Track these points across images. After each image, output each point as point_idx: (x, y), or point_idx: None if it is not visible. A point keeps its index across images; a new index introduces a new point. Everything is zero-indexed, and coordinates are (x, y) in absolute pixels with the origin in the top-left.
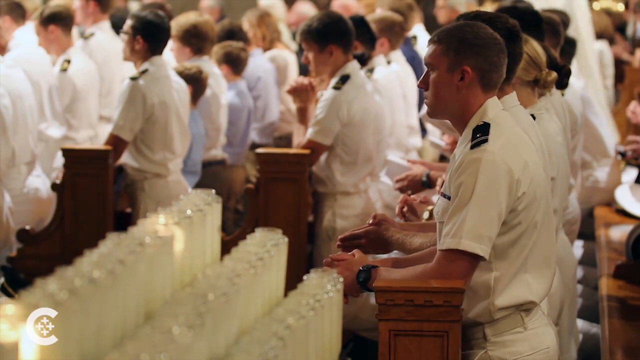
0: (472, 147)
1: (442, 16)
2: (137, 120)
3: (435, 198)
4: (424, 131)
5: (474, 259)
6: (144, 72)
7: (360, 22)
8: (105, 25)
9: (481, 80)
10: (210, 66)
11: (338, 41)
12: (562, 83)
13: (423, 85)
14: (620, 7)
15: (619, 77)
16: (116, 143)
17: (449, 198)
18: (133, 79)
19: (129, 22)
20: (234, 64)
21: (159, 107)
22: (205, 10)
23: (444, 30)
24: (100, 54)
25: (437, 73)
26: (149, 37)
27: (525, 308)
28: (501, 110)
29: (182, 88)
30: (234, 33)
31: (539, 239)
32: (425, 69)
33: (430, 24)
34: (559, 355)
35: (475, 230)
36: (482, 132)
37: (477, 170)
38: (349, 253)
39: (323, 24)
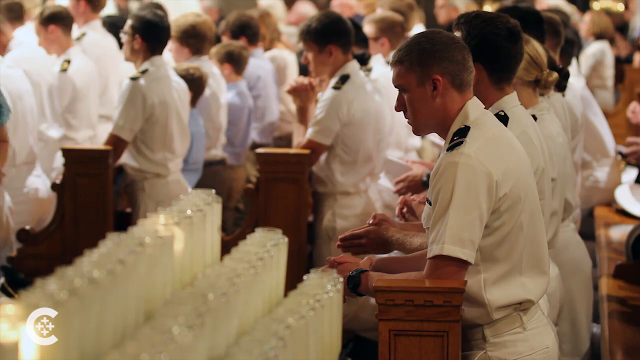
0: (448, 150)
1: (442, 16)
2: (137, 120)
3: None
4: None
5: (461, 263)
6: (144, 72)
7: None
8: (97, 24)
9: (453, 83)
10: (209, 66)
11: (337, 41)
12: (560, 85)
13: (401, 108)
14: (620, 7)
15: (619, 77)
16: (116, 143)
17: (431, 204)
18: (133, 79)
19: (128, 22)
20: (236, 62)
21: (159, 107)
22: (203, 10)
23: (401, 49)
24: (94, 53)
25: (409, 92)
26: (147, 36)
27: (523, 308)
28: (483, 111)
29: (182, 88)
30: (244, 28)
31: (528, 240)
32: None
33: (431, 23)
34: (582, 355)
35: (457, 235)
36: (460, 135)
37: (455, 175)
38: (357, 256)
39: (322, 24)
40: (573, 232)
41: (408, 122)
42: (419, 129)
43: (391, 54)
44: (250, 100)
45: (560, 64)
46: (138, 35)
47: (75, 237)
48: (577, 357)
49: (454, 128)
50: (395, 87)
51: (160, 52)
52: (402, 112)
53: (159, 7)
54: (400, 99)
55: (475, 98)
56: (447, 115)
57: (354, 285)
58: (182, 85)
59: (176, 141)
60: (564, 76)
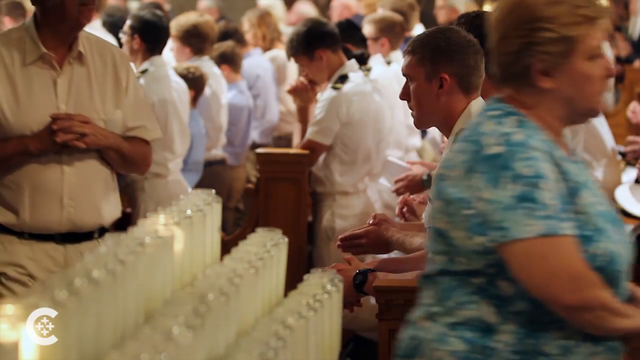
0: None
1: (442, 16)
2: None
3: None
4: (423, 131)
5: None
6: (144, 71)
7: (347, 25)
8: (96, 24)
9: (460, 84)
10: (210, 66)
11: (322, 44)
12: None
13: (405, 97)
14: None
15: (619, 77)
16: None
17: None
18: None
19: (128, 22)
20: (232, 61)
21: (159, 106)
22: (203, 11)
23: (417, 40)
24: None
25: (416, 83)
26: (146, 36)
27: None
28: None
29: (181, 88)
30: (229, 34)
31: None
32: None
33: (430, 24)
34: None
35: None
36: None
37: None
38: (347, 256)
39: (302, 34)
40: None
41: (411, 114)
42: (420, 122)
43: (391, 54)
44: (250, 101)
45: None
46: (137, 35)
47: None
48: None
49: (457, 127)
50: (403, 75)
51: (159, 52)
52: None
53: (158, 6)
54: (405, 89)
55: (479, 98)
56: (450, 115)
57: (360, 282)
58: (181, 85)
59: (176, 141)
60: None
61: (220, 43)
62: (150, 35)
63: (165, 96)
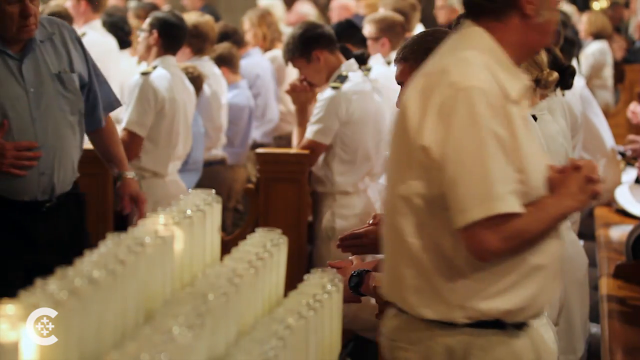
0: None
1: (441, 16)
2: (149, 115)
3: None
4: None
5: None
6: (155, 67)
7: (347, 25)
8: (97, 24)
9: None
10: (210, 66)
11: (318, 45)
12: (567, 83)
13: None
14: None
15: (619, 77)
16: (131, 138)
17: None
18: (144, 74)
19: (147, 20)
20: (230, 63)
21: (169, 102)
22: (186, 1)
23: (406, 46)
24: (94, 53)
25: None
26: (164, 33)
27: None
28: None
29: (190, 91)
30: (228, 35)
31: None
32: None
33: (430, 24)
34: (573, 355)
35: None
36: None
37: None
38: (348, 258)
39: (298, 35)
40: (567, 230)
41: None
42: None
43: (391, 54)
44: (251, 100)
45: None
46: (156, 30)
47: None
48: (571, 354)
49: None
50: (398, 83)
51: (173, 53)
52: None
53: (154, 7)
54: (402, 96)
55: None
56: None
57: (355, 284)
58: (190, 89)
59: (180, 141)
60: (571, 73)
61: (217, 45)
62: (169, 33)
63: (175, 96)
